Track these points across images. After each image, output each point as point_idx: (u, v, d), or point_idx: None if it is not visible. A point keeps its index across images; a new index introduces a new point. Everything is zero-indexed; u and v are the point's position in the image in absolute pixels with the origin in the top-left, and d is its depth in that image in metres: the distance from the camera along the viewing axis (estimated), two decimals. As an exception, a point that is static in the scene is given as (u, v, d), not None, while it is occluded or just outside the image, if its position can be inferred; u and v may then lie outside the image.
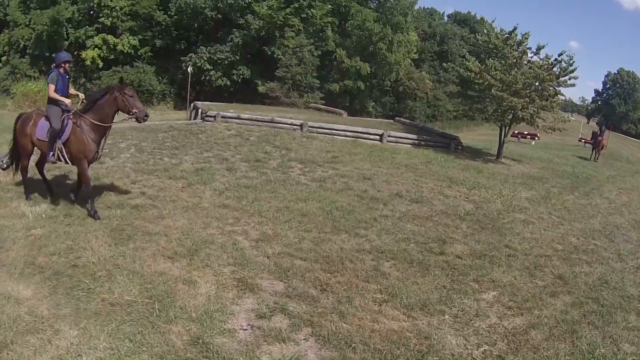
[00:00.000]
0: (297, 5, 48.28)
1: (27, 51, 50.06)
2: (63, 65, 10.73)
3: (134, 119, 10.40)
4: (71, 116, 10.34)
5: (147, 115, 10.41)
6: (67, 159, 10.36)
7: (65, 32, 49.21)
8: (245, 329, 6.65)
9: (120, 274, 7.59)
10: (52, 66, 11.13)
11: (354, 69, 50.90)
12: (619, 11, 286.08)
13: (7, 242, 8.57)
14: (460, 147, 26.19)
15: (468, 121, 58.14)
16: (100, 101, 10.28)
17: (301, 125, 23.25)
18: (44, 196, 11.07)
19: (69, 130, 10.25)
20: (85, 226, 9.49)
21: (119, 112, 10.41)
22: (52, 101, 10.39)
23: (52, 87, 10.39)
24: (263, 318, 6.93)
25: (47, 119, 10.39)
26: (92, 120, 10.23)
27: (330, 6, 50.02)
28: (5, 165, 12.79)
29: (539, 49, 24.92)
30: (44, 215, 9.98)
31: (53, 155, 10.27)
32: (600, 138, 34.38)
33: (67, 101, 10.50)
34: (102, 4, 49.25)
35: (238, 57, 48.65)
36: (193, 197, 12.09)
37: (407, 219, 12.29)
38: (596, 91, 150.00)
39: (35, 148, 10.86)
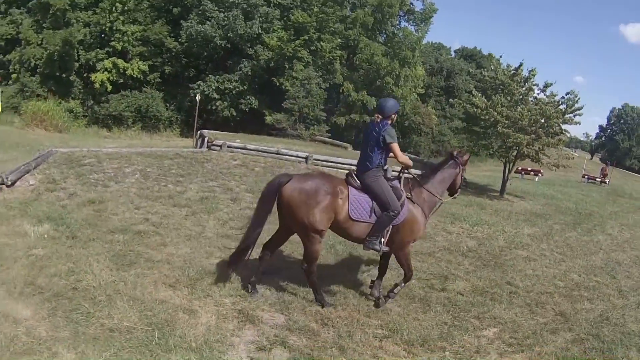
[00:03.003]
0: (307, 38, 48.58)
1: (38, 70, 50.18)
2: (393, 116, 8.66)
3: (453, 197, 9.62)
4: (402, 189, 8.62)
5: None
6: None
7: (76, 54, 49.45)
8: (245, 361, 6.59)
9: (120, 299, 7.54)
10: (376, 118, 8.65)
11: (360, 103, 51.02)
12: (624, 45, 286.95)
13: (7, 261, 8.55)
14: (464, 183, 26.16)
15: (472, 157, 57.95)
16: (443, 172, 9.17)
17: (306, 158, 23.34)
18: (51, 218, 10.98)
19: (406, 210, 8.50)
20: (88, 249, 9.46)
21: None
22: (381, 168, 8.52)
23: (397, 146, 8.46)
24: (263, 350, 6.89)
25: (365, 191, 8.39)
26: (433, 194, 8.88)
27: (339, 40, 50.32)
28: (9, 183, 12.85)
29: (546, 86, 25.09)
30: (46, 236, 9.97)
31: (381, 242, 8.45)
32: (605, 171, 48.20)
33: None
34: (114, 28, 49.55)
35: (246, 87, 48.83)
36: (196, 226, 12.08)
37: (411, 254, 12.28)
38: (600, 127, 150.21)
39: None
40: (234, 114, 48.77)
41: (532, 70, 25.01)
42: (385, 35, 56.93)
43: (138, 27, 50.29)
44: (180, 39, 50.03)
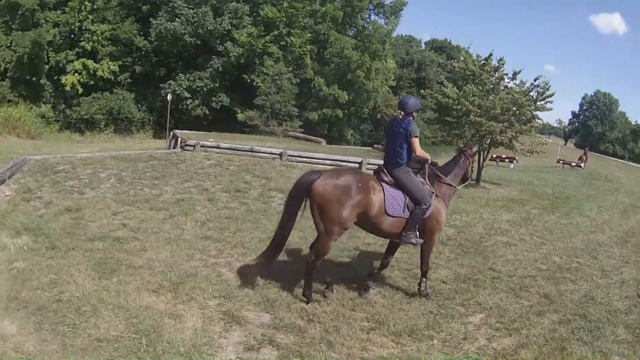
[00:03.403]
0: (277, 33, 48.50)
1: (8, 74, 49.55)
2: (414, 113, 8.79)
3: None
4: (427, 182, 8.94)
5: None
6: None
7: (46, 56, 48.93)
8: (234, 363, 6.57)
9: (105, 308, 7.45)
10: (398, 114, 8.83)
11: (332, 97, 51.02)
12: (594, 34, 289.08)
13: (-11, 276, 8.41)
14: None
15: (446, 146, 58.31)
16: (458, 165, 9.55)
17: (280, 154, 23.29)
18: (29, 229, 10.86)
19: (432, 203, 8.78)
20: (68, 259, 9.35)
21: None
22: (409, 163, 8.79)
23: (417, 141, 8.61)
24: (252, 350, 6.87)
25: (398, 186, 8.57)
26: (451, 185, 9.31)
27: (309, 34, 50.30)
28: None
29: (514, 74, 25.38)
30: (25, 248, 9.83)
31: (415, 235, 8.66)
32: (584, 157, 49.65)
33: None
34: (84, 28, 49.12)
35: (217, 85, 48.65)
36: (175, 229, 12.02)
37: (385, 246, 12.33)
38: (573, 113, 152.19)
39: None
40: (206, 112, 48.65)
41: (501, 60, 25.22)
42: (355, 29, 57.13)
43: (107, 26, 49.96)
44: (149, 38, 49.76)
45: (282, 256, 10.28)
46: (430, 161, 9.02)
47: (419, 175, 8.90)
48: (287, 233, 8.70)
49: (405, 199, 8.44)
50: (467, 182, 10.12)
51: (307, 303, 8.42)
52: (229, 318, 7.66)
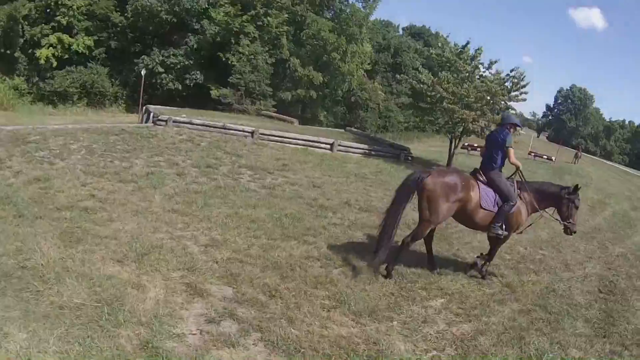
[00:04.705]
0: (254, 13, 48.23)
1: (-17, 49, 49.04)
2: (509, 126, 10.35)
3: (563, 227, 10.58)
4: (515, 185, 10.23)
5: (574, 232, 10.70)
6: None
7: (21, 30, 48.32)
8: (194, 334, 6.64)
9: (69, 276, 7.46)
10: (498, 127, 10.65)
11: (307, 78, 50.94)
12: (572, 29, 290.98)
13: (-46, 242, 8.39)
14: (410, 158, 26.62)
15: (419, 132, 58.61)
16: (548, 190, 10.49)
17: (252, 133, 23.32)
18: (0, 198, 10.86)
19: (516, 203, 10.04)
20: (35, 227, 9.33)
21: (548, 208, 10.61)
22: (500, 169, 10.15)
23: (512, 151, 10.07)
24: (212, 323, 6.93)
25: (490, 185, 9.95)
26: (532, 199, 10.27)
27: (286, 15, 50.08)
28: None
29: (491, 64, 25.60)
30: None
31: (501, 227, 9.88)
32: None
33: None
34: (60, 3, 48.42)
35: (192, 62, 48.35)
36: (143, 201, 12.02)
37: (356, 227, 12.44)
38: (547, 106, 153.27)
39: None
40: (179, 88, 48.29)
41: (478, 49, 25.39)
42: (332, 12, 56.88)
43: (84, 1, 49.23)
44: (126, 13, 49.27)
45: (247, 236, 10.43)
46: (520, 167, 10.31)
47: (509, 179, 10.20)
48: (395, 224, 9.68)
49: (495, 196, 9.83)
50: (567, 224, 10.48)
51: (386, 277, 9.48)
52: (192, 290, 7.71)
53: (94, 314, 6.65)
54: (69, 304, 6.79)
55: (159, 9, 47.08)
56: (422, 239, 10.14)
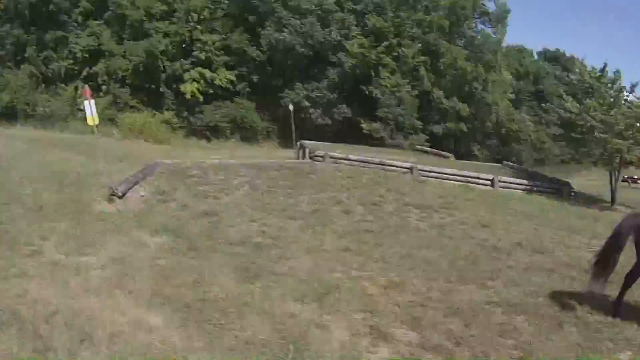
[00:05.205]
0: (388, 44, 48.51)
1: (126, 81, 51.72)
2: None
3: None
4: None
5: None
6: None
7: (161, 65, 50.73)
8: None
9: (250, 312, 7.52)
10: None
11: (453, 110, 50.50)
12: None
13: (133, 270, 8.73)
14: (572, 194, 25.48)
15: (576, 165, 56.65)
16: None
17: (411, 169, 23.02)
18: (168, 229, 11.18)
19: None
20: (210, 261, 9.57)
21: None
22: None
23: None
24: (401, 368, 6.66)
25: None
26: None
27: (419, 45, 50.21)
28: (120, 194, 13.09)
29: (633, 86, 24.29)
30: (166, 247, 10.17)
31: None
32: None
33: None
34: (195, 38, 51.01)
35: (336, 96, 49.03)
36: (314, 239, 12.06)
37: (533, 270, 11.84)
38: None
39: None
40: (329, 122, 48.95)
41: (616, 72, 24.41)
42: (464, 39, 56.70)
43: (217, 36, 51.61)
44: (261, 48, 50.67)
45: (424, 278, 10.14)
46: None
47: None
48: (616, 262, 9.73)
49: None
50: None
51: (613, 316, 9.24)
52: (376, 333, 7.49)
53: (280, 351, 6.58)
54: (253, 340, 6.77)
55: (293, 42, 48.13)
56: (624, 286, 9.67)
